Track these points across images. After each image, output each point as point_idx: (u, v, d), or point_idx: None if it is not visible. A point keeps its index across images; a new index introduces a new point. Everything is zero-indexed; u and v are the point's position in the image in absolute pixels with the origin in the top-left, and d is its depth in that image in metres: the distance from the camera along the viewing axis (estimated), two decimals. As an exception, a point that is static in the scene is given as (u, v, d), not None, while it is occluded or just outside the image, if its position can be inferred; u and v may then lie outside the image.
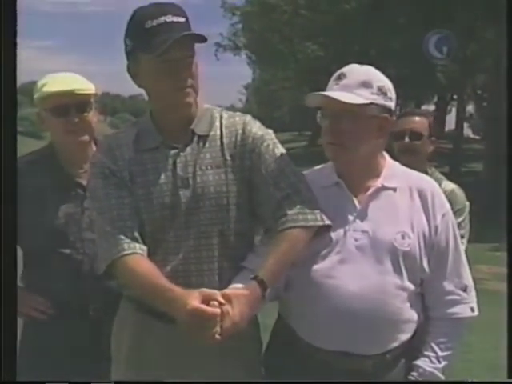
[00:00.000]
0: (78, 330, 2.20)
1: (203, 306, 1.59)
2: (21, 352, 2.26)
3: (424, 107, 27.75)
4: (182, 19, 1.74)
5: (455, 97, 26.89)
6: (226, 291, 1.66)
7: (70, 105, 2.18)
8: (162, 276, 1.69)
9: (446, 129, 30.08)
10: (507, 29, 2.06)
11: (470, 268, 1.94)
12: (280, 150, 1.85)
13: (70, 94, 2.17)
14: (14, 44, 1.73)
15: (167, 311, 1.66)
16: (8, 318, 1.72)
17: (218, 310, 1.59)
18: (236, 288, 1.70)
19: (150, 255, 1.76)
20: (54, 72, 2.30)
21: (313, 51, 19.13)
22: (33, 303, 2.21)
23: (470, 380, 2.14)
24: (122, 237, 1.73)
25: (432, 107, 31.58)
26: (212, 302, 1.60)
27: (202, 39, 1.74)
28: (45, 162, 2.27)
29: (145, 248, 1.75)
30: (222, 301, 1.61)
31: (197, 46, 1.77)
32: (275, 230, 1.76)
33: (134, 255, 1.72)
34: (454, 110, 28.70)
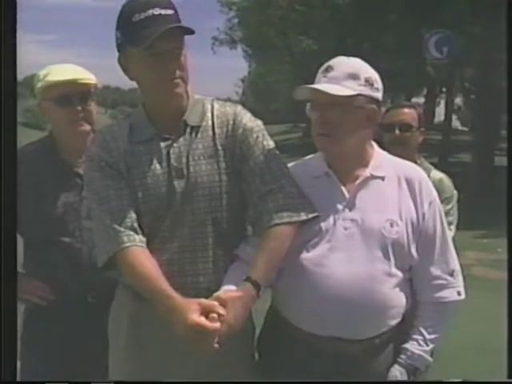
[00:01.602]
0: (77, 317, 2.18)
1: (204, 322, 1.58)
2: (22, 339, 2.25)
3: (414, 100, 27.80)
4: (171, 11, 1.71)
5: (444, 90, 26.90)
6: (222, 296, 1.65)
7: (73, 94, 2.16)
8: (162, 276, 1.66)
9: (436, 120, 30.10)
10: (507, 29, 2.02)
11: (458, 254, 1.94)
12: (269, 142, 1.85)
13: (72, 83, 2.15)
14: (14, 39, 1.71)
15: (165, 318, 1.64)
16: (8, 318, 1.70)
17: (218, 325, 1.59)
18: (230, 291, 1.69)
19: (147, 243, 1.74)
20: (61, 63, 2.29)
21: (307, 45, 19.11)
22: (33, 289, 2.19)
23: (471, 380, 2.16)
24: (122, 229, 1.72)
25: (422, 100, 31.64)
26: (211, 315, 1.59)
27: (190, 31, 1.71)
28: (44, 151, 2.25)
29: (144, 239, 1.74)
30: (222, 312, 1.60)
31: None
32: (261, 224, 1.76)
33: (134, 248, 1.71)
34: (442, 102, 28.72)
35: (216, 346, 1.60)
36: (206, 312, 1.59)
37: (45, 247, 2.20)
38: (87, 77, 2.21)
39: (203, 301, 1.62)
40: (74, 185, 2.21)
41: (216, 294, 1.68)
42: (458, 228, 2.72)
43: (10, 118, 1.73)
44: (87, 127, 2.22)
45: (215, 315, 1.59)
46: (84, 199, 2.18)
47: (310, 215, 1.76)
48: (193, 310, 1.59)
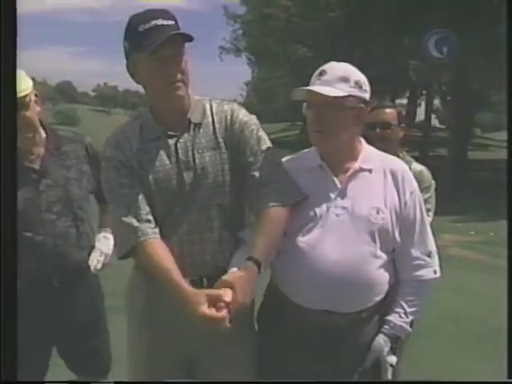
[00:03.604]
0: (45, 301, 2.15)
1: (212, 313, 1.58)
2: None
3: (398, 101, 27.69)
4: (172, 22, 1.69)
5: (424, 92, 26.80)
6: (228, 279, 1.64)
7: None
8: (176, 268, 1.65)
9: (417, 120, 30.02)
10: (507, 28, 1.97)
11: (436, 237, 1.93)
12: (263, 134, 1.84)
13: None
14: (14, 48, 1.62)
15: (178, 305, 1.64)
16: (8, 318, 1.63)
17: (225, 313, 1.58)
18: (235, 272, 1.68)
19: (161, 229, 1.73)
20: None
21: (303, 53, 19.02)
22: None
23: (472, 380, 2.16)
24: (138, 224, 1.70)
25: (405, 101, 31.53)
26: (219, 304, 1.59)
27: (189, 38, 1.69)
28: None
29: (157, 230, 1.72)
30: (228, 300, 1.59)
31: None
32: (258, 207, 1.75)
33: (150, 240, 1.70)
34: (423, 103, 28.61)
35: (228, 325, 1.59)
36: (213, 302, 1.59)
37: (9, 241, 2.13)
38: (23, 88, 2.06)
39: (210, 292, 1.61)
40: (29, 180, 2.12)
41: (222, 277, 1.67)
42: (435, 214, 2.72)
43: (10, 118, 1.64)
44: (29, 134, 2.13)
45: (222, 304, 1.59)
46: (42, 193, 2.11)
47: (302, 196, 1.76)
48: (201, 303, 1.59)
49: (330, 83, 1.75)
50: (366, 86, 1.81)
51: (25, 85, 2.10)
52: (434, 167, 3.11)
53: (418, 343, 2.07)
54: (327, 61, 1.84)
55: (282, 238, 1.76)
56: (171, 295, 1.65)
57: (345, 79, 1.76)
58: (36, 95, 2.17)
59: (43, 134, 2.19)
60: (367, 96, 1.81)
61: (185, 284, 1.63)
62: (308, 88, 1.77)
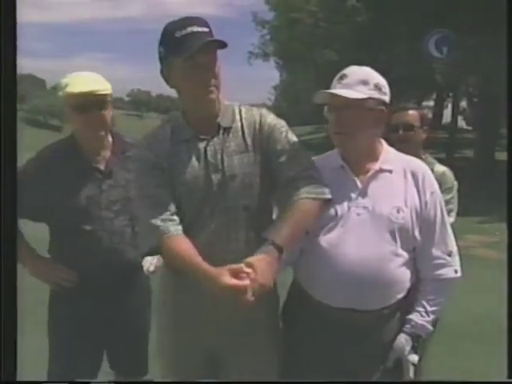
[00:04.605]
0: (97, 298, 2.17)
1: (234, 281, 1.59)
2: (49, 324, 2.24)
3: (425, 103, 27.34)
4: (206, 29, 1.71)
5: (451, 94, 26.37)
6: (249, 259, 1.65)
7: (90, 103, 2.10)
8: (198, 255, 1.67)
9: (443, 121, 29.56)
10: (507, 28, 1.94)
11: (461, 238, 1.90)
12: (292, 136, 1.83)
13: (89, 95, 2.09)
14: (14, 39, 1.62)
15: (205, 287, 1.66)
16: (8, 318, 1.61)
17: (247, 281, 1.60)
18: (255, 255, 1.68)
19: (189, 229, 1.75)
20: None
21: (330, 56, 18.92)
22: (59, 273, 2.17)
23: (473, 380, 2.13)
24: (160, 223, 1.72)
25: (431, 103, 31.11)
26: (241, 275, 1.60)
27: (223, 45, 1.71)
28: (67, 149, 2.20)
29: (180, 228, 1.74)
30: (249, 271, 1.60)
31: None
32: (289, 203, 1.74)
33: (173, 236, 1.72)
34: (449, 105, 28.17)
35: (252, 298, 1.60)
36: (235, 274, 1.61)
37: (70, 234, 2.16)
38: (103, 87, 2.14)
39: (232, 265, 1.63)
40: (94, 179, 2.17)
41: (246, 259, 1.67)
42: (461, 214, 2.68)
43: (10, 118, 1.64)
44: (102, 133, 2.17)
45: (243, 274, 1.60)
46: (104, 192, 2.16)
47: (328, 195, 1.76)
48: (224, 275, 1.60)
49: (350, 86, 1.76)
50: (386, 88, 1.81)
51: (106, 85, 2.16)
52: (460, 168, 3.07)
53: (443, 343, 2.04)
54: (352, 64, 1.85)
55: (306, 234, 1.76)
56: (197, 279, 1.66)
57: (365, 82, 1.76)
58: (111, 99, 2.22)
59: (110, 138, 2.25)
60: (387, 98, 1.81)
61: (207, 265, 1.65)
62: (329, 91, 1.78)
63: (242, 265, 1.62)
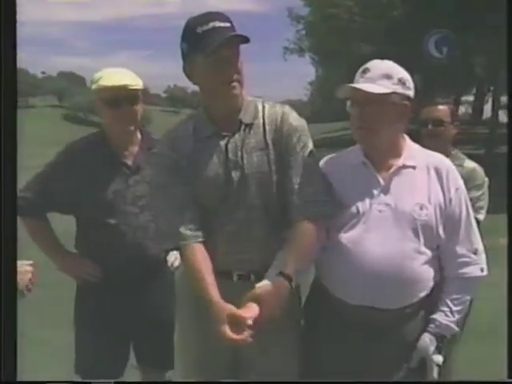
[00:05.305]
0: (122, 292, 2.19)
1: (232, 336, 1.60)
2: (76, 316, 2.28)
3: (464, 98, 26.72)
4: (228, 24, 1.70)
5: (491, 88, 25.68)
6: (257, 292, 1.65)
7: (121, 98, 2.12)
8: (211, 277, 1.69)
9: (484, 117, 28.81)
10: (507, 28, 1.90)
11: (492, 235, 1.85)
12: (308, 141, 1.80)
13: (121, 89, 2.11)
14: (14, 40, 1.62)
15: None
16: (8, 318, 1.58)
17: (244, 336, 1.60)
18: (265, 285, 1.67)
19: (207, 225, 1.75)
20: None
21: (365, 51, 18.69)
22: (85, 267, 2.20)
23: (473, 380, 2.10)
24: (180, 226, 1.73)
25: (471, 98, 30.40)
26: (240, 325, 1.60)
27: (246, 39, 1.69)
28: (96, 143, 2.22)
29: (199, 234, 1.74)
30: (250, 323, 1.60)
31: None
32: (290, 218, 1.74)
33: (190, 245, 1.73)
34: (490, 100, 27.44)
35: (250, 340, 1.61)
36: (235, 322, 1.61)
37: (95, 227, 2.18)
38: (135, 82, 2.16)
39: (235, 312, 1.62)
40: (121, 174, 2.19)
41: (254, 289, 1.66)
42: (494, 212, 2.64)
43: (11, 118, 1.63)
44: (132, 127, 2.19)
45: (243, 324, 1.60)
46: (130, 187, 2.17)
47: (332, 212, 1.74)
48: (223, 321, 1.61)
49: (373, 80, 1.72)
50: (410, 83, 1.77)
51: (137, 81, 2.18)
52: (501, 165, 3.00)
53: (474, 343, 2.00)
54: (387, 59, 1.81)
55: (316, 249, 1.74)
56: (199, 295, 1.68)
57: (388, 76, 1.73)
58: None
59: (139, 134, 2.27)
60: (411, 93, 1.77)
61: (214, 297, 1.65)
62: (352, 85, 1.75)
63: (246, 315, 1.61)
